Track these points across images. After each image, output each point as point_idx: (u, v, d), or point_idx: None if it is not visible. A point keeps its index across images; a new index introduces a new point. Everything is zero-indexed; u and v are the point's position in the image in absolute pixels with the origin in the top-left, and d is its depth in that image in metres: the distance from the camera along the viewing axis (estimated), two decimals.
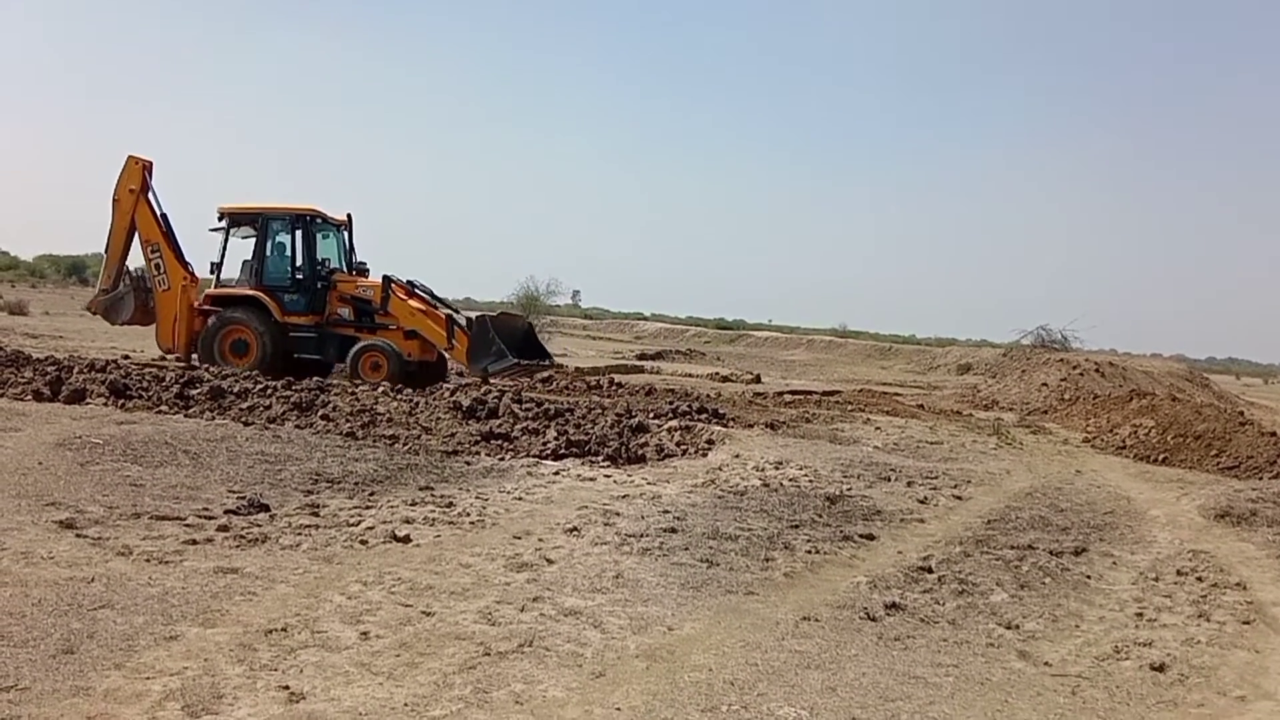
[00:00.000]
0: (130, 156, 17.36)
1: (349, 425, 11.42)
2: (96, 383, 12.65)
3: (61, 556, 5.61)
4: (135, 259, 17.93)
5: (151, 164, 17.49)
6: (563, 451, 10.89)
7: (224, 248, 17.59)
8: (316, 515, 7.19)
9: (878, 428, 15.76)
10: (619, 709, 4.20)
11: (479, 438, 11.36)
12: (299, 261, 17.39)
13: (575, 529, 7.37)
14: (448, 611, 5.28)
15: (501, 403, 13.11)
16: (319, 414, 11.93)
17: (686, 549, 7.00)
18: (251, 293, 17.14)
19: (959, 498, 9.91)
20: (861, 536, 7.80)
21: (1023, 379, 26.10)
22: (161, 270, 17.39)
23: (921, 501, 9.51)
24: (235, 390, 12.87)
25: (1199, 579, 7.22)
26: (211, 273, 17.69)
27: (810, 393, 22.75)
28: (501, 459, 10.40)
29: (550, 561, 6.43)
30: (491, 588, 5.78)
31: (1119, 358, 30.59)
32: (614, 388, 19.00)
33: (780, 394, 21.49)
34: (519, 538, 7.02)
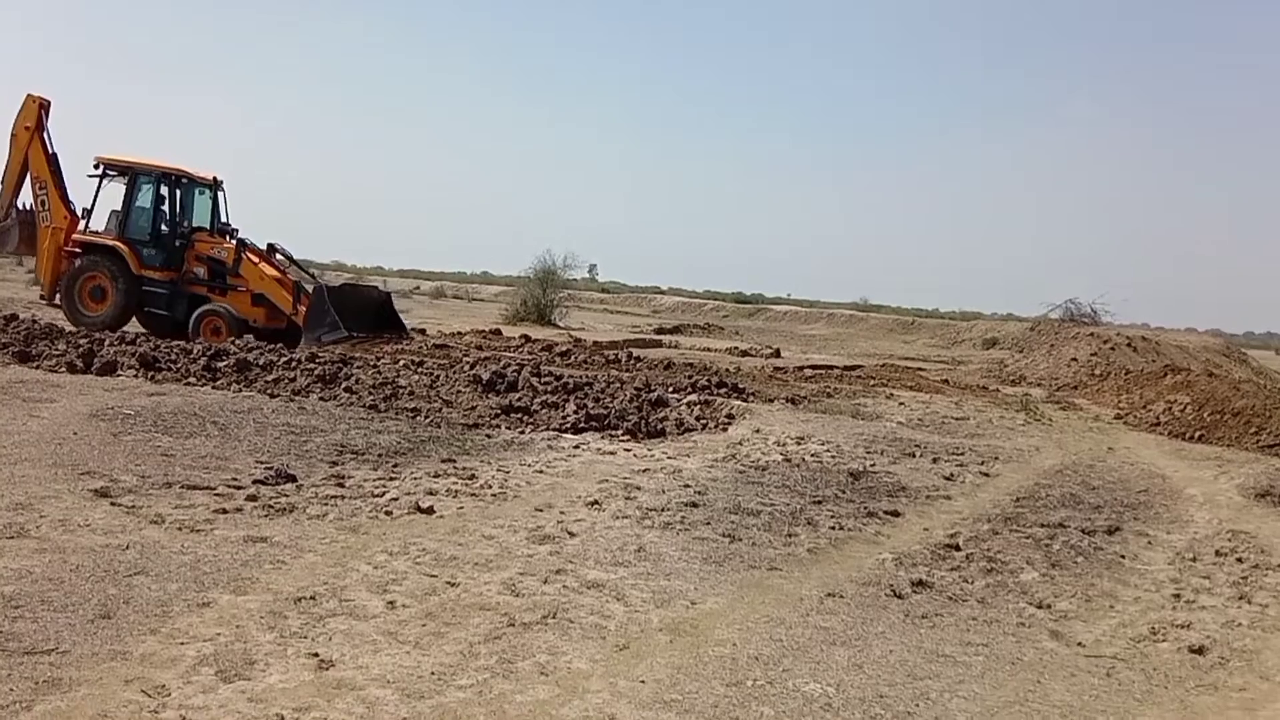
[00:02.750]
0: (29, 95, 17.91)
1: (371, 398, 11.48)
2: (127, 355, 12.77)
3: (97, 524, 5.70)
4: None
5: (49, 103, 18.04)
6: (582, 425, 10.90)
7: (96, 196, 18.02)
8: (342, 486, 7.25)
9: (901, 403, 15.70)
10: (643, 682, 4.23)
11: (499, 411, 11.40)
12: (160, 217, 17.77)
13: (596, 502, 7.39)
14: (472, 582, 5.32)
15: (520, 376, 13.14)
16: (342, 386, 12.00)
17: (708, 524, 7.01)
18: (112, 242, 17.50)
19: (986, 475, 9.86)
20: (886, 513, 7.79)
21: (1051, 354, 25.81)
22: (46, 207, 17.94)
23: (948, 478, 9.47)
24: (261, 363, 12.96)
25: (1239, 560, 7.13)
26: (82, 217, 18.05)
27: (831, 367, 22.65)
28: (521, 432, 10.43)
29: (572, 534, 6.46)
30: (514, 559, 5.82)
31: (1151, 332, 30.09)
32: (632, 362, 19.00)
33: (801, 369, 21.40)
34: (540, 510, 7.06)
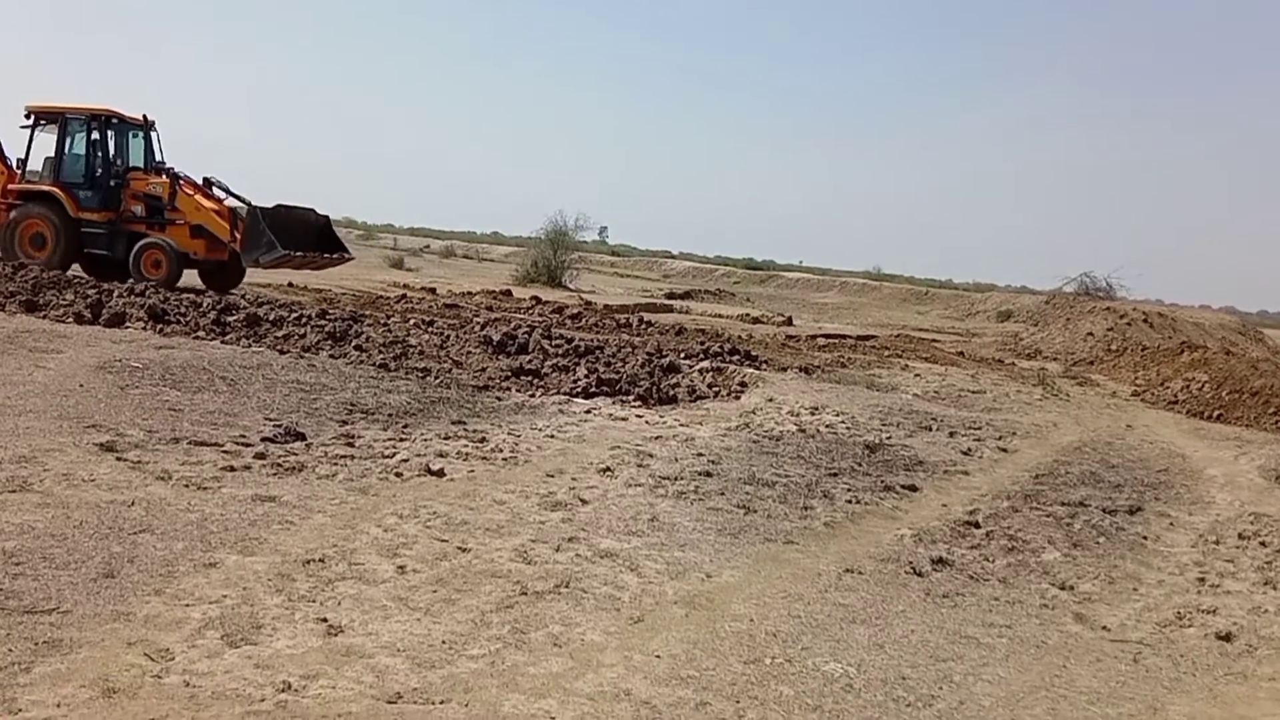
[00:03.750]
0: None
1: (382, 357, 11.35)
2: (136, 307, 12.63)
3: (102, 479, 5.57)
4: None
5: None
6: (593, 390, 10.77)
7: (29, 145, 17.91)
8: (351, 446, 7.13)
9: (916, 375, 15.53)
10: (658, 656, 4.12)
11: (509, 373, 11.27)
12: (94, 159, 17.69)
13: (608, 469, 7.27)
14: (483, 548, 5.21)
15: (531, 339, 13.02)
16: (352, 344, 11.87)
17: (722, 494, 6.89)
18: (48, 188, 17.46)
19: (1004, 450, 9.72)
20: (904, 487, 7.65)
21: (1067, 328, 25.54)
22: None
23: (965, 453, 9.33)
24: (271, 319, 12.82)
25: (1263, 544, 6.98)
26: (18, 168, 17.98)
27: (844, 336, 22.48)
28: (532, 395, 10.30)
29: (584, 501, 6.35)
30: (526, 526, 5.70)
31: (1168, 308, 29.80)
32: (643, 326, 18.86)
33: (813, 337, 21.24)
34: (552, 476, 6.94)
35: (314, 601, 4.23)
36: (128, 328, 11.71)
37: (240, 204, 17.61)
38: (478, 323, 15.08)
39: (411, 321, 14.20)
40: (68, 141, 17.67)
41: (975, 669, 4.40)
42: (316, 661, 3.68)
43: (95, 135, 17.62)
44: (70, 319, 11.77)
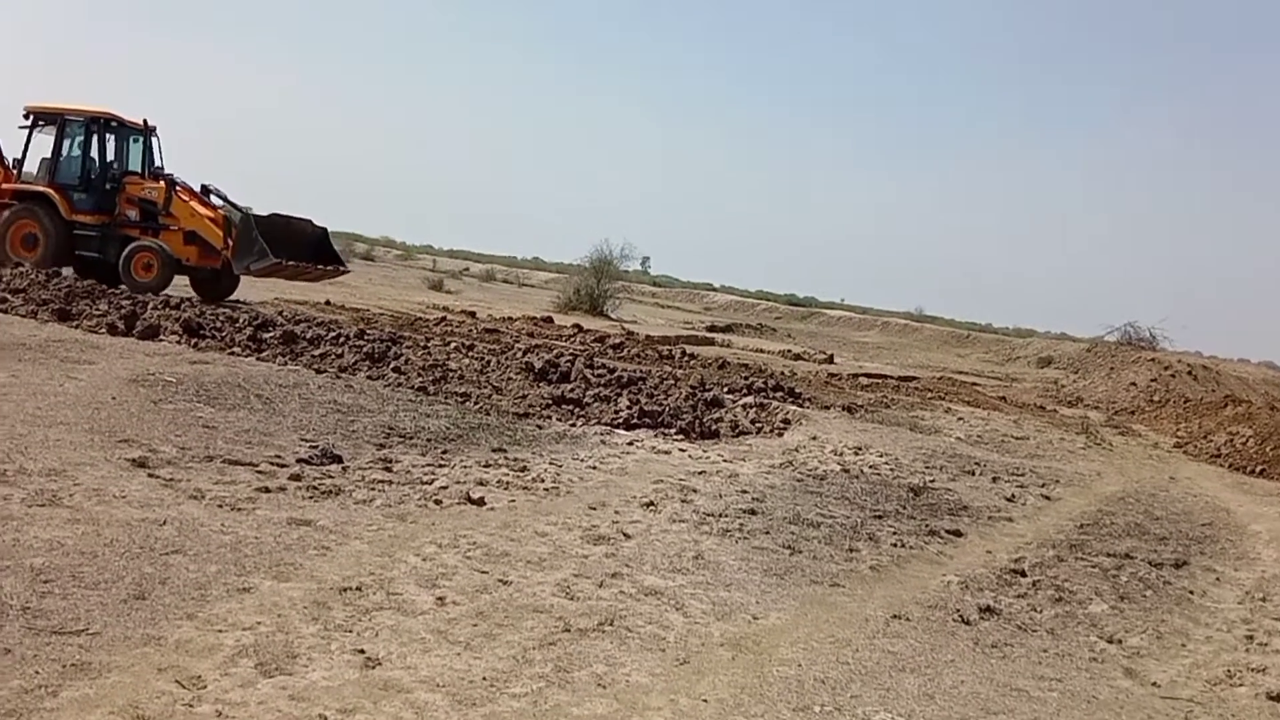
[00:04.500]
0: None
1: (420, 380, 11.28)
2: (171, 320, 12.64)
3: (134, 496, 5.48)
4: None
5: None
6: (635, 421, 10.63)
7: (26, 145, 17.93)
8: (389, 470, 7.02)
9: (960, 418, 15.30)
10: (705, 700, 3.97)
11: (550, 401, 11.16)
12: (90, 162, 17.68)
13: (652, 503, 7.13)
14: (525, 582, 5.07)
15: (574, 367, 12.92)
16: (391, 366, 11.81)
17: (767, 533, 6.73)
18: (43, 189, 17.42)
19: (1048, 498, 9.52)
20: (948, 532, 7.47)
21: (1110, 377, 25.30)
22: None
23: (1009, 499, 9.13)
24: (308, 336, 12.82)
25: None
26: (14, 168, 18.02)
27: (886, 377, 22.23)
28: (573, 425, 10.18)
29: (628, 536, 6.20)
30: (568, 559, 5.56)
31: (1210, 360, 29.40)
32: (686, 359, 18.73)
33: (855, 376, 21.03)
34: (594, 508, 6.80)
35: (350, 631, 4.10)
36: (162, 340, 11.70)
37: (236, 212, 17.64)
38: (519, 349, 15.00)
39: (451, 345, 14.16)
40: (65, 143, 17.71)
41: None
42: (353, 695, 3.54)
43: (93, 138, 17.68)
44: (103, 329, 11.74)
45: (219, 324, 12.88)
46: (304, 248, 17.85)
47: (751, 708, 3.96)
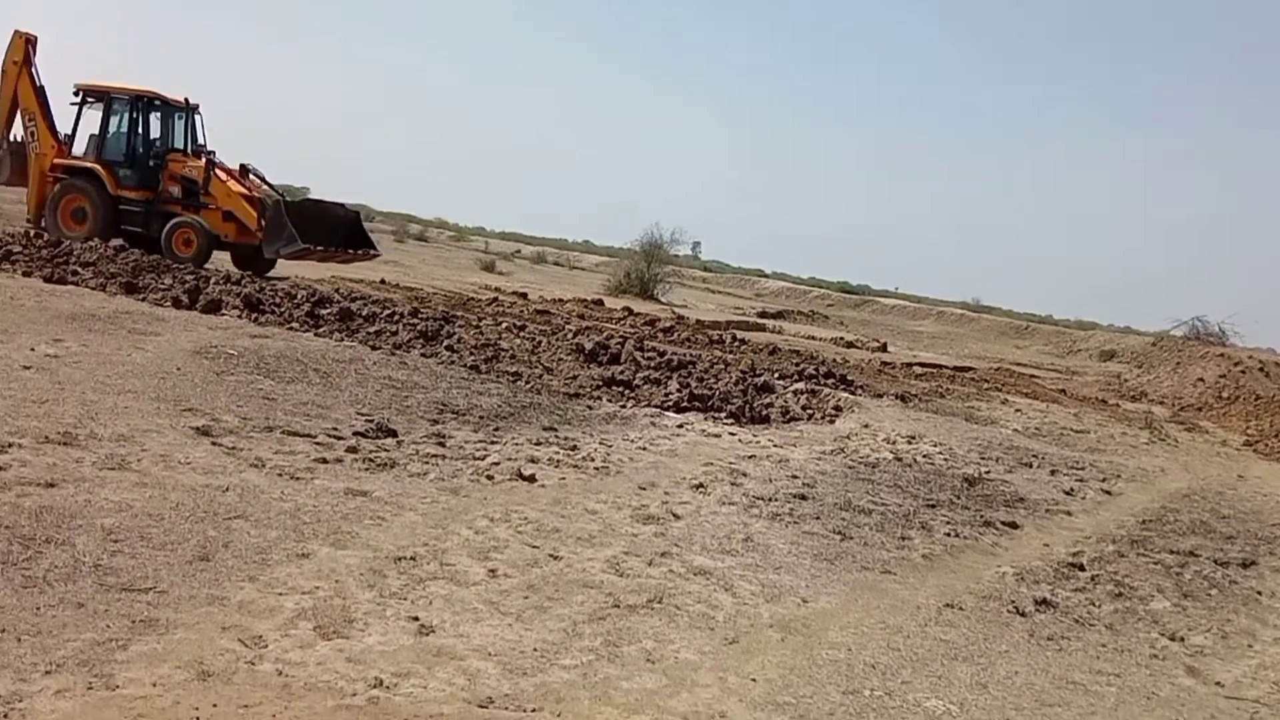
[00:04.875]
0: (16, 31, 18.43)
1: (473, 358, 11.36)
2: (232, 295, 12.86)
3: (198, 463, 5.61)
4: None
5: (36, 39, 18.51)
6: (685, 405, 10.63)
7: (76, 122, 18.38)
8: (443, 445, 7.11)
9: (1017, 410, 15.06)
10: (754, 680, 3.97)
11: (600, 382, 11.19)
12: (135, 139, 18.09)
13: (701, 485, 7.13)
14: (575, 558, 5.11)
15: (624, 349, 12.93)
16: (444, 344, 11.91)
17: (818, 518, 6.70)
18: (91, 164, 17.85)
19: (1108, 492, 9.35)
20: (1004, 524, 7.37)
21: (1176, 372, 24.63)
22: (35, 138, 18.42)
23: (1067, 493, 8.99)
24: (364, 314, 12.96)
25: None
26: (65, 144, 18.45)
27: (941, 366, 21.96)
28: (623, 406, 10.20)
29: (677, 516, 6.21)
30: (618, 537, 5.59)
31: None
32: (736, 344, 18.66)
33: (909, 365, 20.80)
34: (644, 489, 6.82)
35: (405, 599, 4.16)
36: (223, 315, 11.90)
37: (273, 193, 18.03)
38: (569, 330, 15.05)
39: (503, 325, 14.24)
40: (112, 120, 18.16)
41: (1083, 716, 4.18)
42: (408, 660, 3.60)
43: (138, 116, 18.11)
44: (168, 303, 11.97)
45: (278, 300, 13.07)
46: (335, 232, 18.23)
47: (800, 688, 3.96)
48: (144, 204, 17.77)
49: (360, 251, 18.82)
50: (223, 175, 17.73)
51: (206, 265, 16.67)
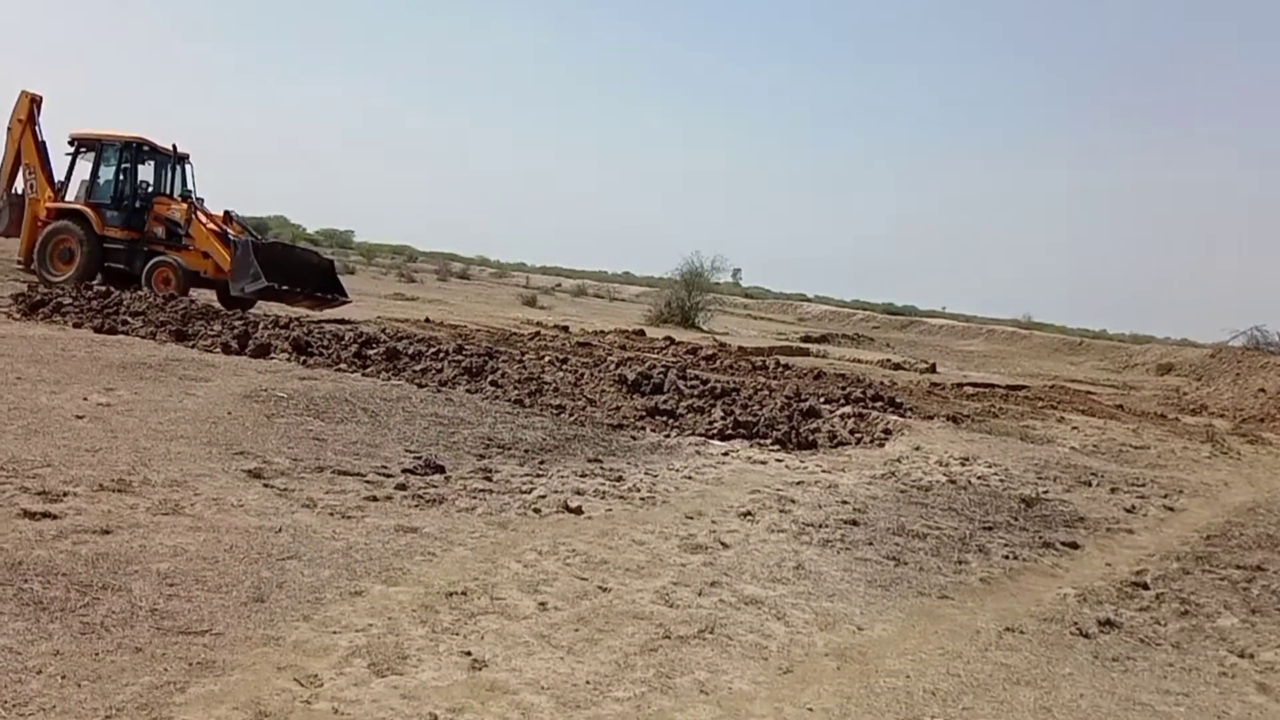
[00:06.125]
0: (22, 91, 19.53)
1: (517, 393, 11.41)
2: (281, 339, 13.03)
3: (250, 505, 5.67)
4: None
5: (41, 98, 19.61)
6: (729, 432, 10.59)
7: (70, 170, 19.35)
8: (490, 480, 7.12)
9: (1074, 427, 14.80)
10: (810, 710, 3.91)
11: (644, 413, 11.18)
12: (122, 182, 18.95)
13: (749, 513, 7.07)
14: (624, 589, 5.07)
15: (667, 379, 12.91)
16: (488, 380, 11.98)
17: (870, 544, 6.61)
18: (79, 207, 18.83)
19: (1170, 509, 9.14)
20: (1064, 544, 7.23)
21: (1236, 383, 24.08)
22: (34, 190, 19.46)
23: (1128, 510, 8.80)
24: (410, 353, 13.07)
25: None
26: (58, 191, 19.36)
27: (993, 385, 21.67)
28: (668, 435, 10.18)
29: (725, 545, 6.16)
30: (667, 568, 5.55)
31: None
32: (780, 369, 18.56)
33: (960, 385, 20.56)
34: (691, 518, 6.78)
35: (457, 634, 4.16)
36: (272, 358, 12.07)
37: (251, 236, 19.10)
38: (611, 361, 15.06)
39: (546, 359, 14.28)
40: (103, 166, 19.09)
41: None
42: (462, 695, 3.59)
43: (127, 161, 18.97)
44: (218, 349, 12.19)
45: (326, 342, 13.23)
46: (305, 276, 19.14)
47: (859, 717, 3.89)
48: (128, 243, 18.73)
49: (330, 297, 19.69)
50: (203, 218, 18.65)
51: (252, 310, 17.16)
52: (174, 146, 19.34)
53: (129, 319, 13.61)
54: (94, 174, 19.12)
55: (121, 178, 18.98)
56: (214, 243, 18.31)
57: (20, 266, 19.42)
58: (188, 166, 19.59)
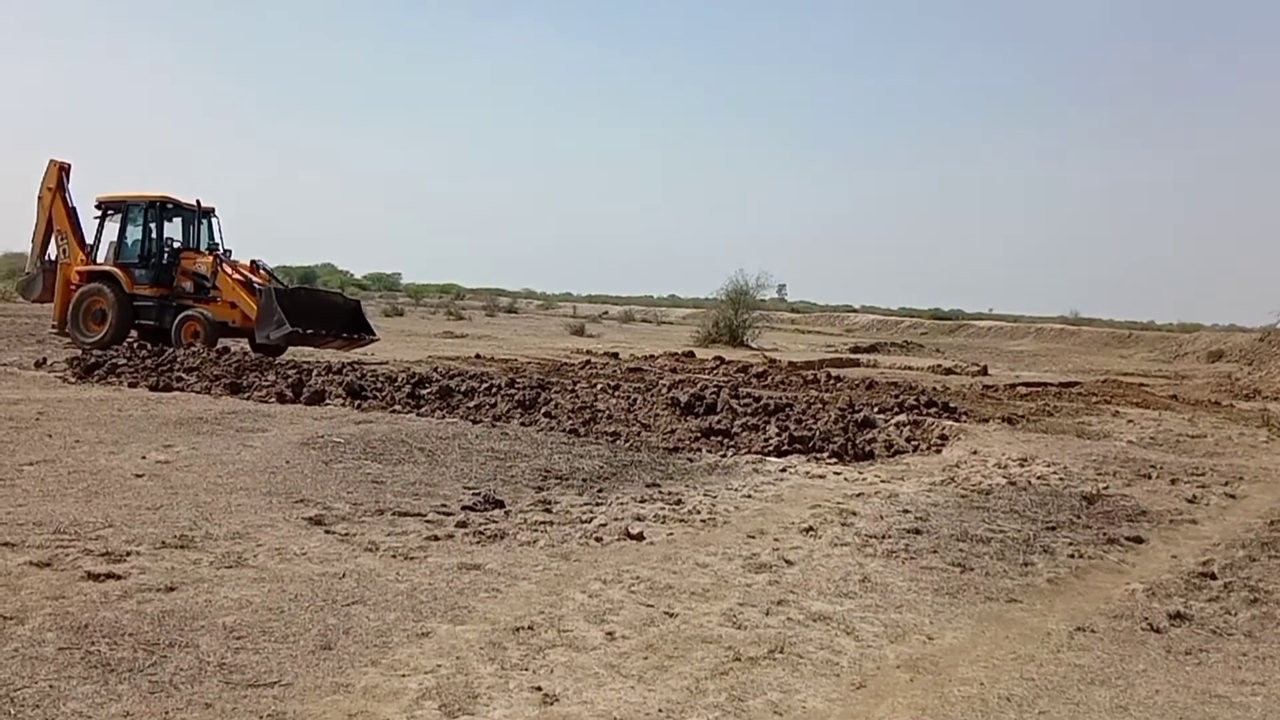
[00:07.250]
0: (51, 160, 20.06)
1: (571, 422, 11.48)
2: (334, 385, 13.21)
3: (313, 552, 5.74)
4: None
5: (70, 166, 20.16)
6: (785, 448, 10.55)
7: (99, 232, 19.92)
8: (549, 512, 7.16)
9: (1129, 420, 14.57)
10: None
11: (699, 434, 11.18)
12: (149, 241, 19.41)
13: (811, 529, 7.04)
14: (690, 613, 5.07)
15: (719, 398, 12.89)
16: (542, 411, 12.06)
17: (935, 551, 6.55)
18: (109, 268, 19.34)
19: (1232, 496, 8.97)
20: (1128, 539, 7.12)
21: None
22: (66, 255, 20.02)
23: (1190, 500, 8.65)
24: (462, 390, 13.19)
25: None
26: (89, 254, 19.89)
27: (1045, 384, 21.42)
28: (724, 455, 10.18)
29: (789, 563, 6.14)
30: (732, 589, 5.54)
31: None
32: (832, 382, 18.48)
33: (1012, 386, 20.33)
34: (753, 537, 6.76)
35: (527, 670, 4.18)
36: (327, 405, 12.25)
37: (278, 284, 19.47)
38: (663, 385, 15.08)
39: (598, 386, 14.34)
40: (129, 226, 19.61)
41: None
42: None
43: (152, 220, 19.45)
44: (273, 399, 12.38)
45: (379, 385, 13.39)
46: (333, 319, 19.49)
47: None
48: (158, 300, 19.21)
49: (358, 336, 19.95)
50: (229, 269, 19.09)
51: (303, 360, 17.35)
52: (198, 201, 19.83)
53: (183, 375, 13.88)
54: (121, 234, 19.65)
55: (148, 236, 19.50)
56: (240, 292, 18.73)
57: (55, 330, 19.99)
58: (214, 220, 20.05)
